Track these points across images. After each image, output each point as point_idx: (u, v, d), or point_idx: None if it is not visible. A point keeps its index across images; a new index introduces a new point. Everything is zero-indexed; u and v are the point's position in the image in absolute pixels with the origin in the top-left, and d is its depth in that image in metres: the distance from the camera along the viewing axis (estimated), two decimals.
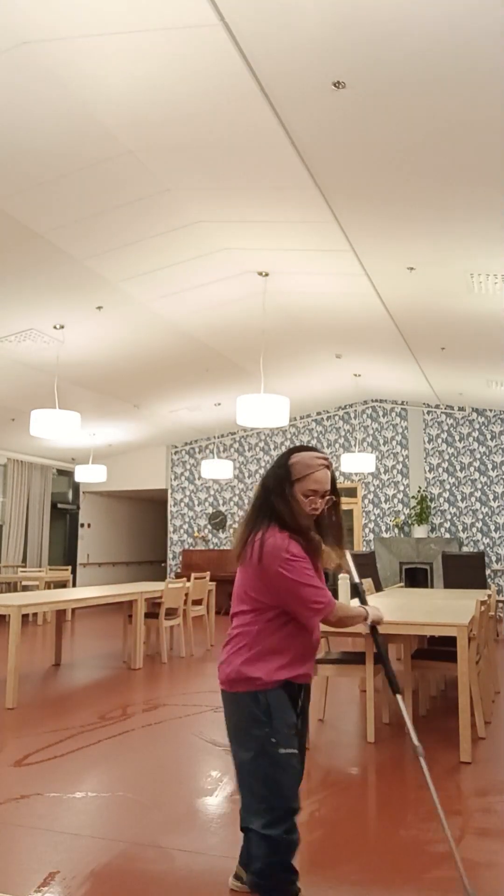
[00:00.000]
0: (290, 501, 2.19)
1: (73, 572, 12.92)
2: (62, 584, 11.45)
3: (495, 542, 11.29)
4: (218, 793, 3.46)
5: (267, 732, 2.13)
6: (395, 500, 11.99)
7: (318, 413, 12.52)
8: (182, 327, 7.38)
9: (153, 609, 7.29)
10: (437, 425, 11.84)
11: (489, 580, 10.92)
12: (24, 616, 10.11)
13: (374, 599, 5.86)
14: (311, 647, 2.29)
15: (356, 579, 2.62)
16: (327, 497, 2.24)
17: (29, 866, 2.67)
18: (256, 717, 2.14)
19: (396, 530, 11.82)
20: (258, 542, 2.16)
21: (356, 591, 2.63)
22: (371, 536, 11.99)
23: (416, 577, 11.28)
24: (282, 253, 5.71)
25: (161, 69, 3.37)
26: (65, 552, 14.34)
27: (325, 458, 2.25)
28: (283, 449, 12.76)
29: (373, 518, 12.08)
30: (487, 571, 11.02)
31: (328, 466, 2.25)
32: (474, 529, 11.44)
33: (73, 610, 11.06)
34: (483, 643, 4.89)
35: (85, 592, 7.06)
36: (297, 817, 2.15)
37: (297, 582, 2.15)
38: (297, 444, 14.20)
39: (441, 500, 11.69)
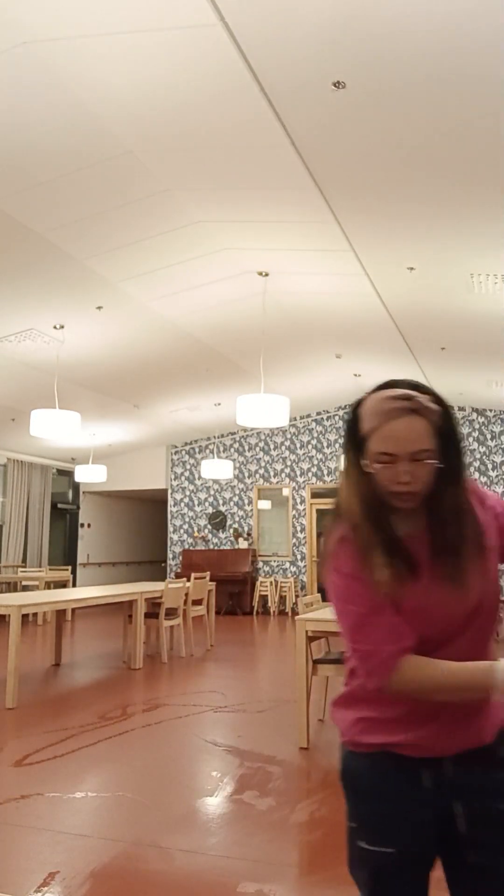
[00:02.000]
0: (354, 475, 1.32)
1: (73, 572, 12.92)
2: (62, 584, 11.45)
3: None
4: (218, 793, 3.46)
5: (349, 813, 1.42)
6: None
7: (318, 413, 12.52)
8: (182, 327, 7.38)
9: (153, 609, 7.29)
10: None
11: None
12: (24, 616, 10.12)
13: None
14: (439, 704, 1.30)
15: None
16: (425, 461, 1.27)
17: (29, 866, 2.67)
18: (344, 785, 1.43)
19: None
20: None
21: None
22: None
23: None
24: (282, 253, 5.71)
25: (161, 69, 3.37)
26: (65, 552, 14.34)
27: (409, 397, 1.27)
28: (283, 449, 12.86)
29: None
30: None
31: (416, 410, 1.27)
32: None
33: (73, 610, 11.06)
34: None
35: (85, 592, 7.06)
36: None
37: (339, 614, 1.33)
38: (297, 444, 14.08)
39: None
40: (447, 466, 1.29)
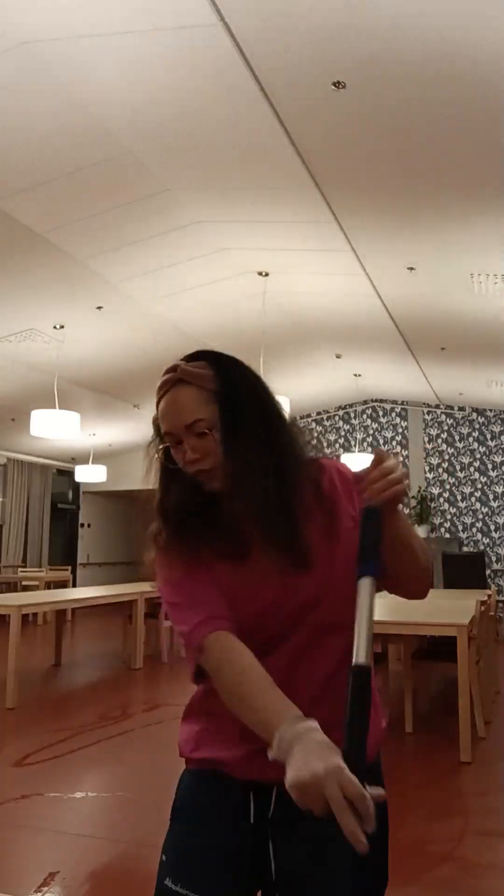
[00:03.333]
0: (159, 467, 1.19)
1: (73, 572, 12.91)
2: (62, 584, 11.45)
3: (495, 542, 11.29)
4: None
5: (164, 844, 1.23)
6: None
7: (318, 413, 12.52)
8: (182, 327, 7.38)
9: (153, 609, 7.28)
10: (437, 425, 11.84)
11: (489, 580, 10.91)
12: (24, 616, 10.09)
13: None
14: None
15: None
16: (203, 432, 1.13)
17: (29, 866, 2.67)
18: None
19: None
20: None
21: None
22: None
23: None
24: (282, 253, 5.71)
25: (161, 69, 3.37)
26: (65, 552, 14.35)
27: (174, 368, 1.16)
28: None
29: None
30: (487, 571, 11.01)
31: (182, 379, 1.15)
32: (474, 529, 11.44)
33: (73, 610, 11.05)
34: (483, 643, 4.89)
35: (85, 592, 7.06)
36: None
37: (163, 599, 1.21)
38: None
39: (441, 500, 11.69)
40: (234, 433, 1.12)
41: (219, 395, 1.13)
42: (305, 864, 1.09)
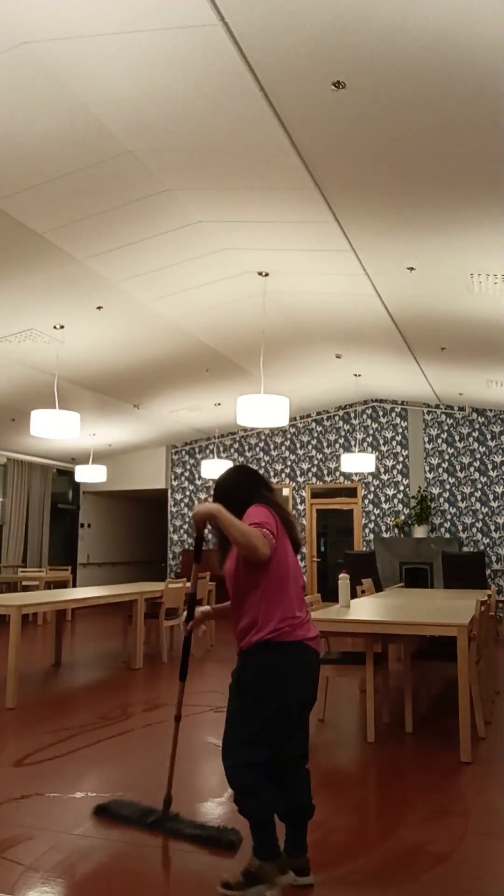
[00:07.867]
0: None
1: (73, 572, 12.92)
2: (62, 584, 11.45)
3: (495, 542, 11.29)
4: (218, 793, 3.46)
5: None
6: (395, 501, 11.99)
7: (318, 413, 12.52)
8: (182, 327, 7.38)
9: (153, 609, 7.29)
10: (437, 425, 11.84)
11: (489, 580, 10.91)
12: (24, 616, 10.09)
13: (374, 599, 5.86)
14: None
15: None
16: None
17: (29, 866, 2.67)
18: None
19: (396, 530, 11.82)
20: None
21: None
22: (371, 536, 11.99)
23: (416, 577, 11.28)
24: (282, 253, 5.71)
25: (161, 69, 3.37)
26: (65, 552, 14.35)
27: None
28: (283, 449, 12.88)
29: (373, 518, 12.07)
30: (487, 571, 11.01)
31: None
32: (474, 529, 11.44)
33: (73, 610, 11.06)
34: (483, 643, 4.89)
35: (85, 592, 7.06)
36: None
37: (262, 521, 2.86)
38: (297, 444, 14.23)
39: (441, 500, 11.69)
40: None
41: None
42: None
